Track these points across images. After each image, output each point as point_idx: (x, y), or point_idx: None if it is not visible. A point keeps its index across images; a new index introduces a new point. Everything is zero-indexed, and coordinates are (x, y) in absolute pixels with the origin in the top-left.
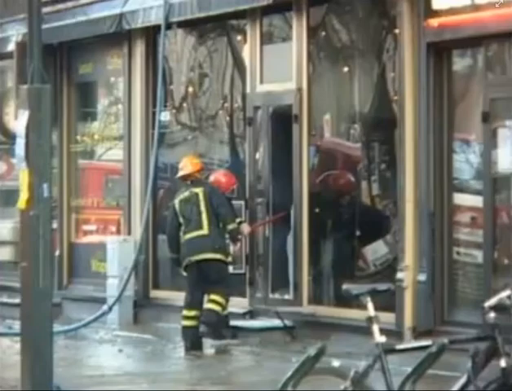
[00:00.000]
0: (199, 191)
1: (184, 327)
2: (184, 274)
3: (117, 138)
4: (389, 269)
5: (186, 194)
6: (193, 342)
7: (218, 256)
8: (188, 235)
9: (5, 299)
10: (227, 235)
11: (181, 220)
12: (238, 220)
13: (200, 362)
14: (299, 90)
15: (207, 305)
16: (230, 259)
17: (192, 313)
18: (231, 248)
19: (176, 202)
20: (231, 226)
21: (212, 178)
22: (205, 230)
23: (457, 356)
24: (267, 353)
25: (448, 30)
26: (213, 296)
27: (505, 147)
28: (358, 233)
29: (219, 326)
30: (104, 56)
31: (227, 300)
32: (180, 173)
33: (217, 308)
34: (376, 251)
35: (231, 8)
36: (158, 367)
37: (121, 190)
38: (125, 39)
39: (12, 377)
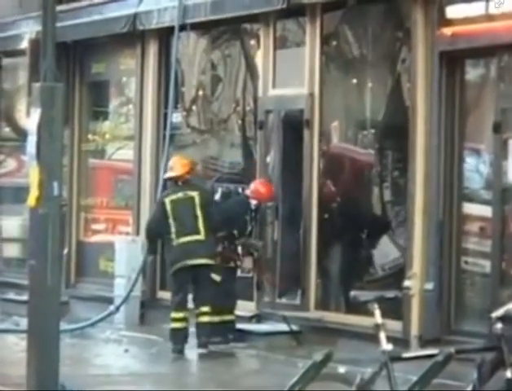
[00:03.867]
0: (195, 194)
1: (175, 330)
2: (170, 274)
3: (128, 138)
4: (398, 274)
5: (179, 195)
6: (183, 344)
7: (211, 262)
8: (183, 239)
9: (12, 296)
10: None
11: (170, 221)
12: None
13: (206, 365)
14: (311, 95)
15: (200, 319)
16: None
17: (181, 314)
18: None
19: (166, 201)
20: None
21: (251, 189)
22: (201, 236)
23: (463, 366)
24: (273, 357)
25: (462, 40)
26: (203, 309)
27: None
28: (367, 239)
29: (216, 333)
30: (117, 56)
31: (234, 308)
32: (169, 174)
33: (208, 319)
34: (385, 255)
35: (245, 12)
36: (163, 368)
37: (131, 190)
38: (139, 39)
39: (18, 374)
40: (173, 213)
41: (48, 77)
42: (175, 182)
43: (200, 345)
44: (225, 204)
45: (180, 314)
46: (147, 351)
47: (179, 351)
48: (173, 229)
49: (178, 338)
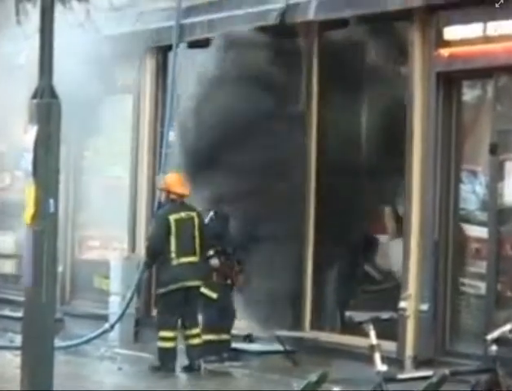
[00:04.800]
0: (194, 215)
1: (167, 349)
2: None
3: (124, 154)
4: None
5: (182, 215)
6: (174, 363)
7: (201, 283)
8: (183, 259)
9: (7, 312)
10: None
11: (172, 239)
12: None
13: (199, 383)
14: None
15: (192, 342)
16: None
17: (173, 334)
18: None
19: (171, 219)
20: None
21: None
22: (196, 257)
23: (458, 387)
24: (267, 377)
25: (459, 61)
26: (194, 331)
27: (511, 180)
28: (363, 260)
29: (210, 352)
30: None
31: (231, 327)
32: (181, 191)
33: (199, 341)
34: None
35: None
36: (157, 386)
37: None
38: (136, 55)
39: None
40: (176, 231)
41: (45, 94)
42: (174, 201)
43: (193, 368)
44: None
45: (171, 334)
46: (141, 369)
47: (172, 370)
48: (173, 248)
49: (170, 357)
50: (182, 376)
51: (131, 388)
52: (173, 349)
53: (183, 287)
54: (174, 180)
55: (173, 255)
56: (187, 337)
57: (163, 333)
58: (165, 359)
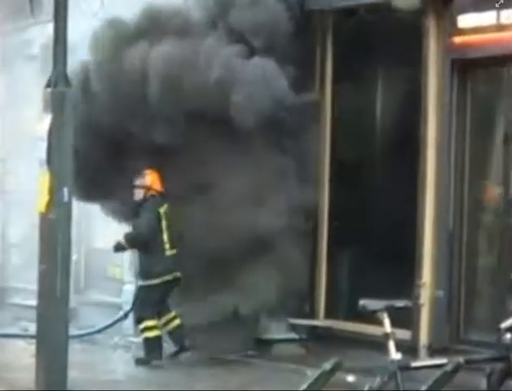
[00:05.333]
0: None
1: (157, 338)
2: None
3: None
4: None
5: (165, 207)
6: (161, 351)
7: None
8: (174, 251)
9: (19, 300)
10: None
11: (164, 231)
12: None
13: (213, 372)
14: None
15: (174, 324)
16: None
17: (156, 322)
18: None
19: (161, 212)
20: None
21: None
22: (177, 249)
23: (472, 375)
24: (281, 365)
25: (473, 49)
26: (171, 315)
27: None
28: (377, 247)
29: None
30: None
31: None
32: (161, 188)
33: (180, 321)
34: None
35: None
36: (171, 375)
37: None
38: None
39: (26, 379)
40: (167, 224)
41: (59, 83)
42: (155, 196)
43: (184, 349)
44: None
45: (155, 322)
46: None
47: (159, 359)
48: (166, 239)
49: (157, 346)
50: (195, 365)
51: (145, 378)
52: (159, 337)
53: (175, 277)
54: (155, 178)
55: (167, 246)
56: (166, 323)
57: (147, 323)
58: (153, 349)
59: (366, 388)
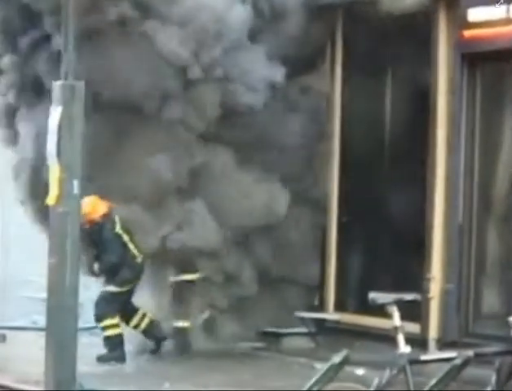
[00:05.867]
0: None
1: (116, 336)
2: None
3: None
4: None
5: (118, 221)
6: (124, 349)
7: None
8: (142, 256)
9: (29, 293)
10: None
11: (129, 244)
12: None
13: (223, 365)
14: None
15: (145, 322)
16: None
17: (116, 320)
18: None
19: (118, 230)
20: None
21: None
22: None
23: (482, 369)
24: (290, 358)
25: (482, 42)
26: (140, 314)
27: None
28: (387, 241)
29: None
30: None
31: None
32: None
33: (151, 316)
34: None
35: None
36: (179, 368)
37: None
38: None
39: (36, 372)
40: (127, 237)
41: (69, 75)
42: (106, 215)
43: (160, 344)
44: None
45: (115, 321)
46: (165, 350)
47: (122, 357)
48: (132, 248)
49: (119, 343)
50: (204, 357)
51: (155, 371)
52: (121, 334)
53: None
54: (94, 204)
55: (136, 253)
56: (137, 325)
57: (108, 321)
58: (115, 347)
59: (375, 381)
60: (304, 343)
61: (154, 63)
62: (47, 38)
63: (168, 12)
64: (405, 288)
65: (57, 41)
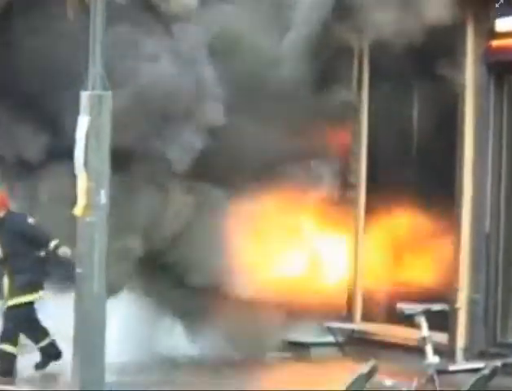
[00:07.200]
0: None
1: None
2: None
3: None
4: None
5: None
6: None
7: None
8: None
9: None
10: None
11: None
12: None
13: (250, 373)
14: None
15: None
16: None
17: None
18: None
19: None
20: None
21: None
22: None
23: (510, 379)
24: (318, 368)
25: (510, 52)
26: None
27: None
28: (412, 252)
29: None
30: None
31: None
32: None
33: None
34: None
35: None
36: (208, 376)
37: None
38: None
39: (63, 381)
40: None
41: (97, 86)
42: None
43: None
44: None
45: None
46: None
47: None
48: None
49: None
50: (228, 365)
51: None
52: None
53: None
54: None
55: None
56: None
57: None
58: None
59: None
60: (332, 353)
61: None
62: None
63: None
64: (433, 299)
65: None
